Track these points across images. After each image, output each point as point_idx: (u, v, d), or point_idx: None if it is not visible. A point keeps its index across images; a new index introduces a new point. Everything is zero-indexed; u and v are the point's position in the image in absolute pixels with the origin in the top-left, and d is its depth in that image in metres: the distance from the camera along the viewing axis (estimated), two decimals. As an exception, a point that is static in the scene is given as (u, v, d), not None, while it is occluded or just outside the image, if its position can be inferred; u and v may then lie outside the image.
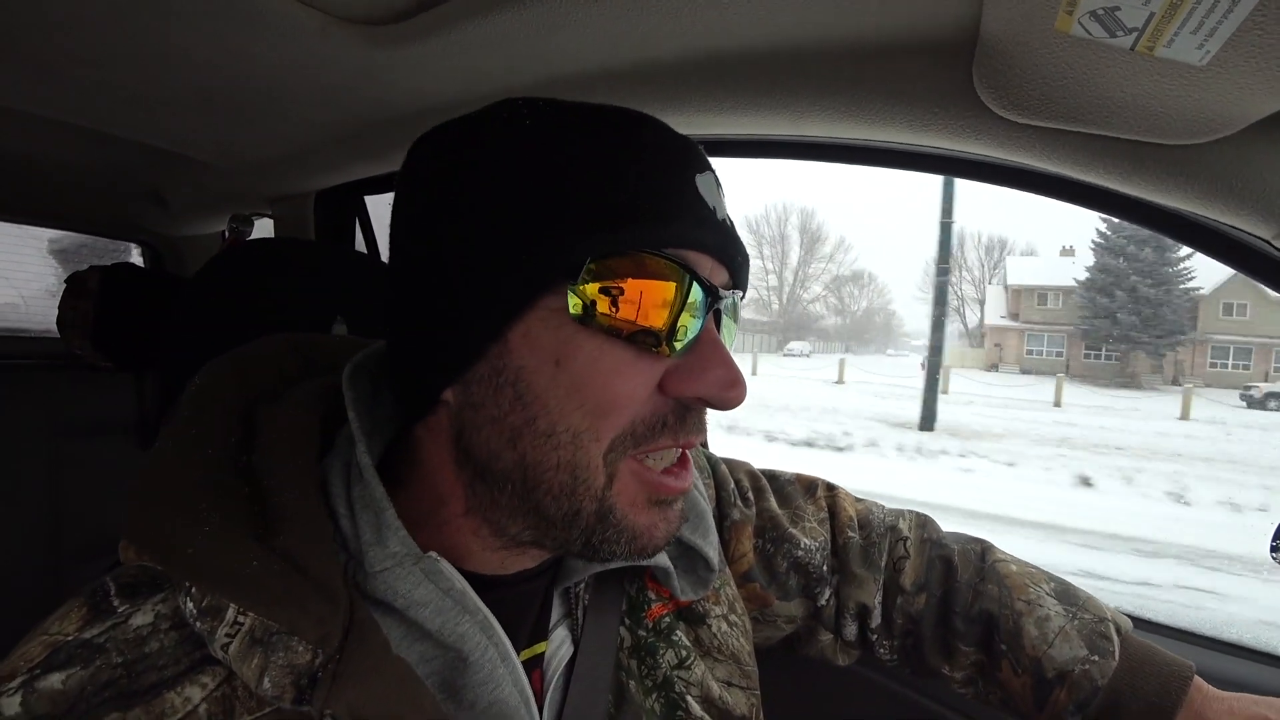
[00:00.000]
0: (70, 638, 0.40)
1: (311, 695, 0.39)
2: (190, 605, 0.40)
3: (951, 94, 0.67)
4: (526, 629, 0.55)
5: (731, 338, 0.53)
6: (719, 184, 0.50)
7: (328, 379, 0.56)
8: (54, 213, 1.88)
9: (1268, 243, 0.64)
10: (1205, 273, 31.06)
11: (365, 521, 0.47)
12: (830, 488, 0.85)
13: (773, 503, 0.79)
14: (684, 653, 0.61)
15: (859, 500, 0.84)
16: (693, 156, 0.48)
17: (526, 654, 0.54)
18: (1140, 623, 0.93)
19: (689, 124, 0.87)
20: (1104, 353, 32.53)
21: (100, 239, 2.08)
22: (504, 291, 0.44)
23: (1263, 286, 0.70)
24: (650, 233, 0.43)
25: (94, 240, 2.10)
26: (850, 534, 0.79)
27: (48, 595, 1.47)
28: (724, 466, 0.79)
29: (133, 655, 0.40)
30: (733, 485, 0.77)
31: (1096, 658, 0.66)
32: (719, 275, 0.48)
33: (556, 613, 0.57)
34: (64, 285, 1.63)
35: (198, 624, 0.40)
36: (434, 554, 0.47)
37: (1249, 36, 0.44)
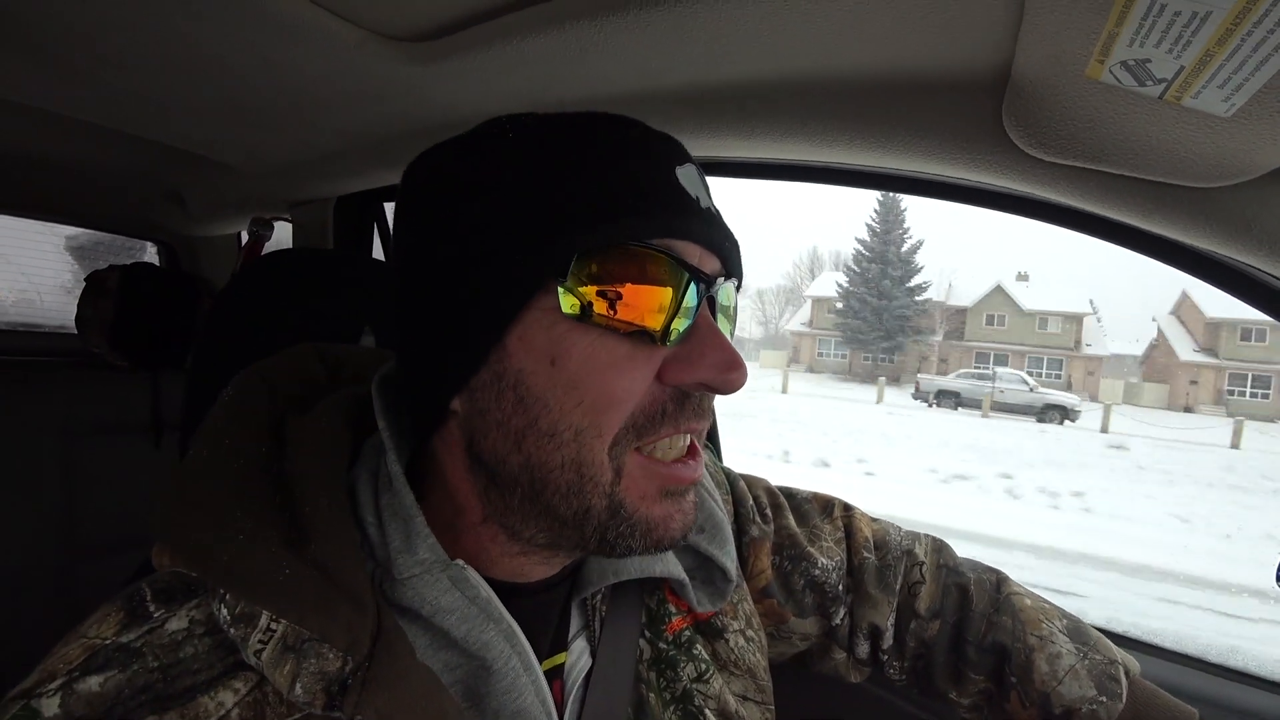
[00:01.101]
0: (108, 641, 0.41)
1: (342, 701, 0.40)
2: (225, 612, 0.41)
3: (980, 130, 0.69)
4: (547, 639, 0.55)
5: (730, 325, 0.53)
6: (702, 176, 0.51)
7: (355, 389, 0.57)
8: (74, 210, 1.90)
9: None
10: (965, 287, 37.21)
11: (394, 529, 0.48)
12: (847, 508, 0.85)
13: (791, 521, 0.80)
14: (703, 666, 0.62)
15: (875, 521, 0.85)
16: (671, 150, 0.49)
17: (547, 664, 0.54)
18: (1153, 649, 0.94)
19: (720, 147, 0.88)
20: (876, 355, 37.10)
21: (117, 237, 2.10)
22: (497, 295, 0.45)
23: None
24: (633, 225, 0.44)
25: (111, 238, 2.11)
26: (866, 554, 0.80)
27: (61, 592, 1.48)
28: (742, 483, 0.80)
29: (168, 660, 0.41)
30: (751, 502, 0.78)
31: (1104, 699, 0.67)
32: (709, 263, 0.48)
33: (575, 624, 0.58)
34: (83, 283, 1.65)
35: (231, 630, 0.41)
36: (461, 562, 0.48)
37: (1274, 92, 0.46)
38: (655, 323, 0.45)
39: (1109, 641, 0.73)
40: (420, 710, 0.42)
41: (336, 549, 0.45)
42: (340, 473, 0.50)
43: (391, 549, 0.48)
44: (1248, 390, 34.96)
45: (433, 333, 0.48)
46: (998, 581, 0.78)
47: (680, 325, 0.46)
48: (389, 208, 1.66)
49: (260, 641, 0.41)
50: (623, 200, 0.44)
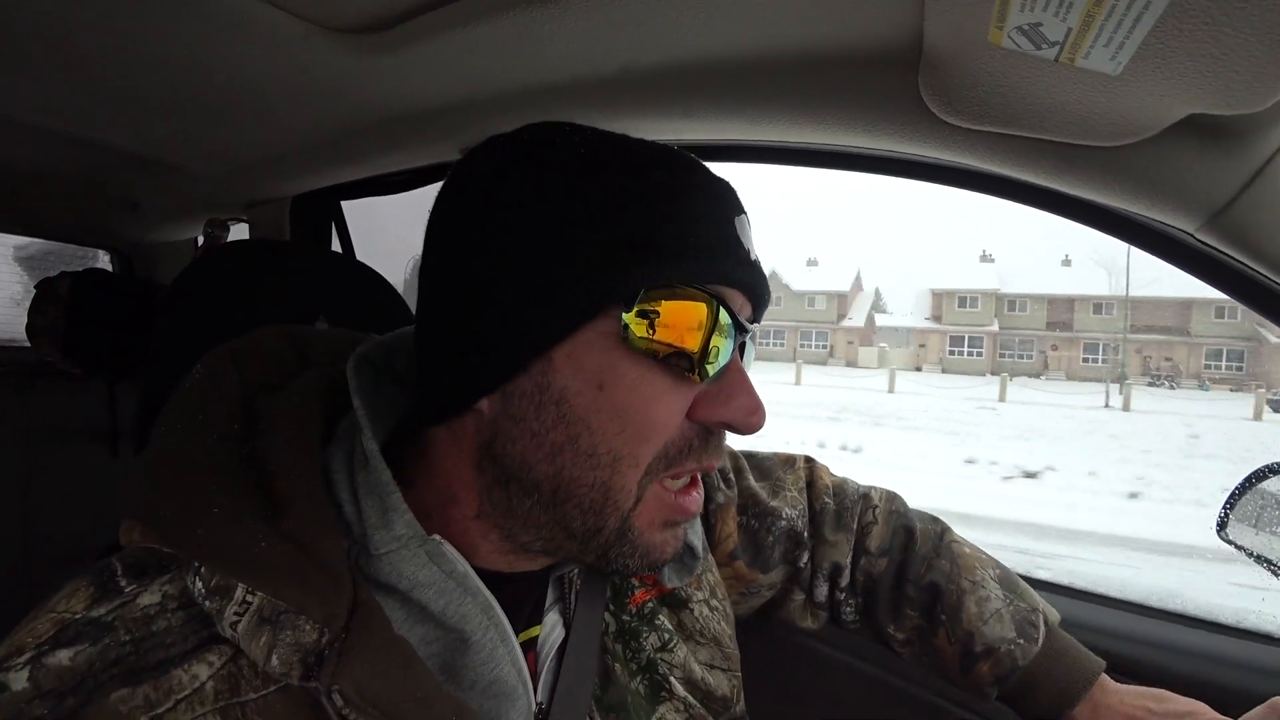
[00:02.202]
0: (78, 615, 0.41)
1: (319, 672, 0.40)
2: (199, 584, 0.41)
3: (899, 100, 0.72)
4: (524, 613, 0.57)
5: (750, 363, 0.56)
6: (750, 226, 0.53)
7: (327, 370, 0.57)
8: (22, 219, 1.86)
9: (1190, 235, 0.70)
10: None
11: (370, 506, 0.48)
12: (809, 460, 0.90)
13: (751, 480, 0.83)
14: (666, 636, 0.64)
15: (834, 475, 0.90)
16: (732, 199, 0.51)
17: (523, 636, 0.55)
18: (1095, 598, 0.99)
19: (662, 130, 0.91)
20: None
21: (68, 246, 2.06)
22: (557, 312, 0.46)
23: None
24: (697, 268, 0.46)
25: (62, 247, 2.07)
26: (826, 500, 0.85)
27: (18, 604, 1.43)
28: None
29: (140, 634, 0.41)
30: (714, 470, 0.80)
31: (1022, 641, 0.72)
32: (745, 310, 0.51)
33: (550, 597, 0.59)
34: (33, 292, 1.62)
35: (207, 603, 0.41)
36: (437, 537, 0.48)
37: (1153, 50, 0.49)
38: (697, 360, 0.47)
39: (1034, 592, 0.78)
40: (397, 681, 0.43)
41: (312, 524, 0.45)
42: (314, 451, 0.50)
43: (368, 525, 0.48)
44: (965, 350, 42.63)
45: (474, 330, 0.48)
46: (941, 531, 0.84)
47: (715, 366, 0.48)
48: (347, 206, 1.65)
49: (236, 614, 0.41)
50: (691, 243, 0.46)
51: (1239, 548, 0.86)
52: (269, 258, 0.93)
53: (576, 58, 0.83)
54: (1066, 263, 43.84)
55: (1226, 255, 0.70)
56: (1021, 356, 41.96)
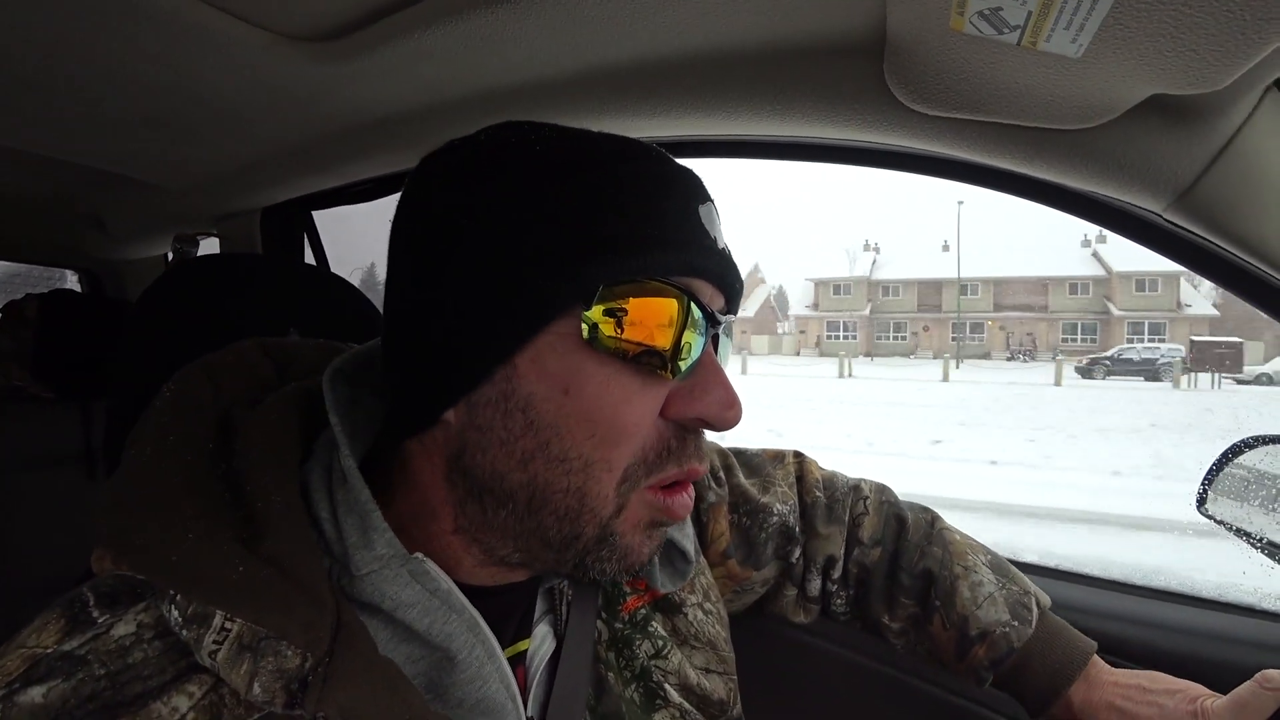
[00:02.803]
0: (49, 650, 0.39)
1: (303, 699, 0.39)
2: (175, 613, 0.40)
3: (866, 90, 0.72)
4: (511, 627, 0.55)
5: (726, 358, 0.55)
6: (718, 214, 0.51)
7: (305, 383, 0.56)
8: None
9: (1159, 215, 0.70)
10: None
11: (350, 525, 0.47)
12: (798, 454, 0.90)
13: (741, 477, 0.83)
14: (660, 642, 0.63)
15: (823, 468, 0.90)
16: (695, 187, 0.49)
17: (510, 651, 0.54)
18: (1078, 577, 0.99)
19: (629, 128, 0.90)
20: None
21: (34, 268, 2.02)
22: (516, 316, 0.45)
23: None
24: (659, 260, 0.45)
25: (28, 269, 2.03)
26: (817, 493, 0.85)
27: (-3, 636, 1.41)
28: None
29: (116, 666, 0.39)
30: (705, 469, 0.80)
31: (1016, 623, 0.73)
32: (717, 301, 0.49)
33: (539, 609, 0.58)
34: None
35: (184, 632, 0.40)
36: (420, 555, 0.47)
37: (1112, 31, 0.49)
38: (666, 357, 0.46)
39: (1025, 577, 0.79)
40: (384, 703, 0.42)
41: (291, 545, 0.43)
42: (292, 468, 0.48)
43: (348, 545, 0.47)
44: (841, 334, 47.71)
45: (435, 340, 0.47)
46: (932, 519, 0.84)
47: (687, 362, 0.47)
48: (318, 216, 1.63)
49: (215, 642, 0.39)
50: (653, 235, 0.45)
51: (1219, 522, 0.87)
52: (236, 271, 0.91)
53: (539, 58, 0.82)
54: (946, 248, 47.99)
55: (1195, 234, 0.70)
56: (895, 338, 47.00)
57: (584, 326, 0.44)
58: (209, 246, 1.67)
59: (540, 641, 0.57)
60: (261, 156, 1.28)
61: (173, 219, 1.62)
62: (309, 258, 1.66)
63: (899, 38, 0.63)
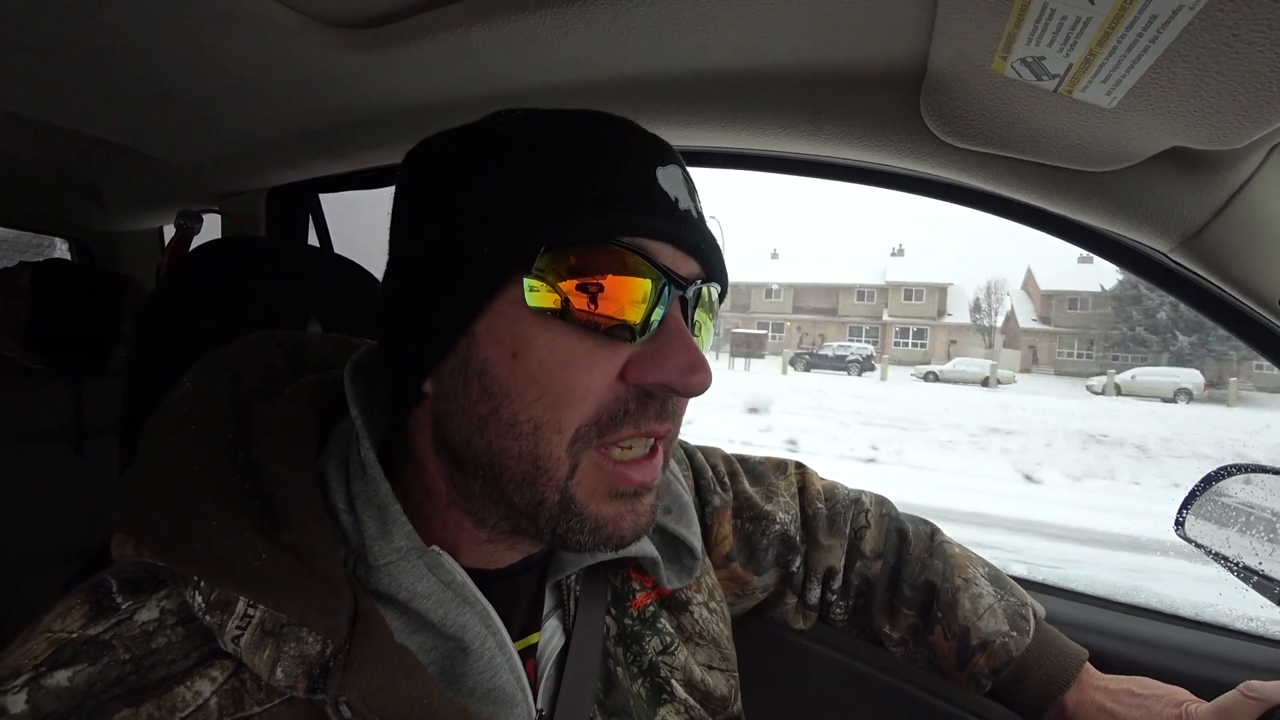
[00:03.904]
0: (75, 635, 0.40)
1: (325, 684, 0.40)
2: (199, 599, 0.41)
3: (901, 119, 0.74)
4: (520, 620, 0.57)
5: (708, 333, 0.54)
6: (687, 178, 0.51)
7: (322, 376, 0.57)
8: None
9: (1164, 255, 0.74)
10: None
11: (368, 517, 0.48)
12: (800, 465, 0.92)
13: (746, 484, 0.85)
14: (668, 639, 0.65)
15: (824, 479, 0.92)
16: (654, 150, 0.49)
17: (521, 644, 0.55)
18: (1063, 592, 1.04)
19: (662, 136, 0.91)
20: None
21: (22, 234, 1.97)
22: (467, 284, 0.46)
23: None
24: (603, 221, 0.45)
25: (16, 235, 1.98)
26: (819, 505, 0.87)
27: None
28: (700, 455, 0.84)
29: (140, 651, 0.40)
30: (710, 473, 0.82)
31: (1015, 634, 0.76)
32: (685, 265, 0.48)
33: (548, 604, 0.60)
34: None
35: (207, 618, 0.41)
36: (436, 548, 0.49)
37: (1146, 87, 0.52)
38: (620, 320, 0.45)
39: (1021, 588, 0.82)
40: (403, 690, 0.43)
41: (310, 534, 0.44)
42: (309, 459, 0.50)
43: (366, 536, 0.48)
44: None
45: (410, 315, 0.49)
46: (931, 532, 0.87)
47: (645, 325, 0.46)
48: (325, 199, 1.62)
49: (238, 628, 0.40)
50: (595, 197, 0.45)
51: (1197, 545, 0.91)
52: (256, 256, 0.90)
53: (578, 62, 0.83)
54: (775, 256, 52.26)
55: (1198, 275, 0.74)
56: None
57: (528, 292, 0.45)
58: (211, 222, 1.65)
59: (550, 636, 0.58)
60: (275, 138, 1.26)
61: (173, 194, 1.59)
62: (313, 239, 1.65)
63: (939, 73, 0.65)
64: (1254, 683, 0.66)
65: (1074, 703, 0.73)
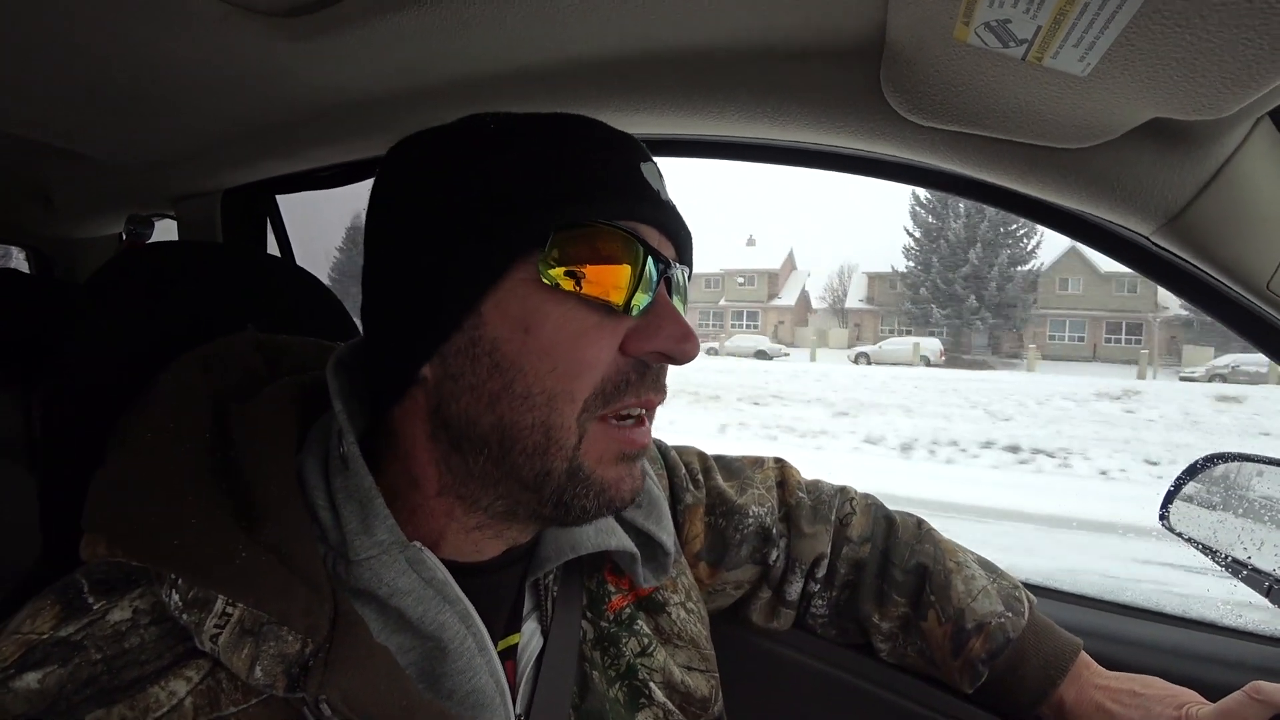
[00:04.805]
0: (45, 636, 0.40)
1: (304, 683, 0.41)
2: (176, 598, 0.41)
3: (861, 98, 0.70)
4: (501, 620, 0.57)
5: (683, 305, 0.57)
6: (660, 173, 0.56)
7: (300, 377, 0.58)
8: None
9: (1146, 239, 0.70)
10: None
11: (350, 512, 0.49)
12: (779, 461, 0.91)
13: (719, 480, 0.84)
14: (646, 641, 0.64)
15: (806, 476, 0.92)
16: (637, 148, 0.54)
17: (501, 645, 0.55)
18: (1046, 591, 1.00)
19: (611, 123, 0.87)
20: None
21: (-24, 244, 1.91)
22: (477, 265, 0.48)
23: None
24: (605, 207, 0.49)
25: (-32, 245, 1.91)
26: (800, 495, 0.86)
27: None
28: (674, 453, 0.84)
29: (112, 651, 0.40)
30: (684, 471, 0.81)
31: (1010, 614, 0.74)
32: (667, 248, 0.53)
33: (527, 605, 0.60)
34: (-66, 294, 1.48)
35: (184, 616, 0.41)
36: (418, 544, 0.49)
37: (1122, 51, 0.48)
38: (619, 295, 0.49)
39: (1010, 574, 0.80)
40: (383, 690, 0.43)
41: (291, 532, 0.45)
42: (289, 458, 0.50)
43: (347, 531, 0.48)
44: None
45: (407, 301, 0.50)
46: (918, 521, 0.86)
47: (641, 300, 0.50)
48: (282, 200, 1.56)
49: (216, 626, 0.40)
50: (594, 185, 0.49)
51: (1180, 535, 0.87)
52: (196, 261, 0.86)
53: (520, 46, 0.79)
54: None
55: (1181, 259, 0.70)
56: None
57: (541, 270, 0.48)
58: (165, 227, 1.59)
59: (529, 638, 0.58)
60: (223, 136, 1.22)
61: (126, 198, 1.54)
62: (271, 243, 1.59)
63: (899, 45, 0.61)
64: (1261, 684, 0.63)
65: (1072, 700, 0.71)
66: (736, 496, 0.82)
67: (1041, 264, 32.81)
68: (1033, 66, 0.53)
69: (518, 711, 0.54)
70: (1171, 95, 0.51)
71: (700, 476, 0.83)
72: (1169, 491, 0.90)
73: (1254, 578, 0.80)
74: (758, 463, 0.90)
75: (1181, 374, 22.87)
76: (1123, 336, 31.55)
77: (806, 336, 35.54)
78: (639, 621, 0.65)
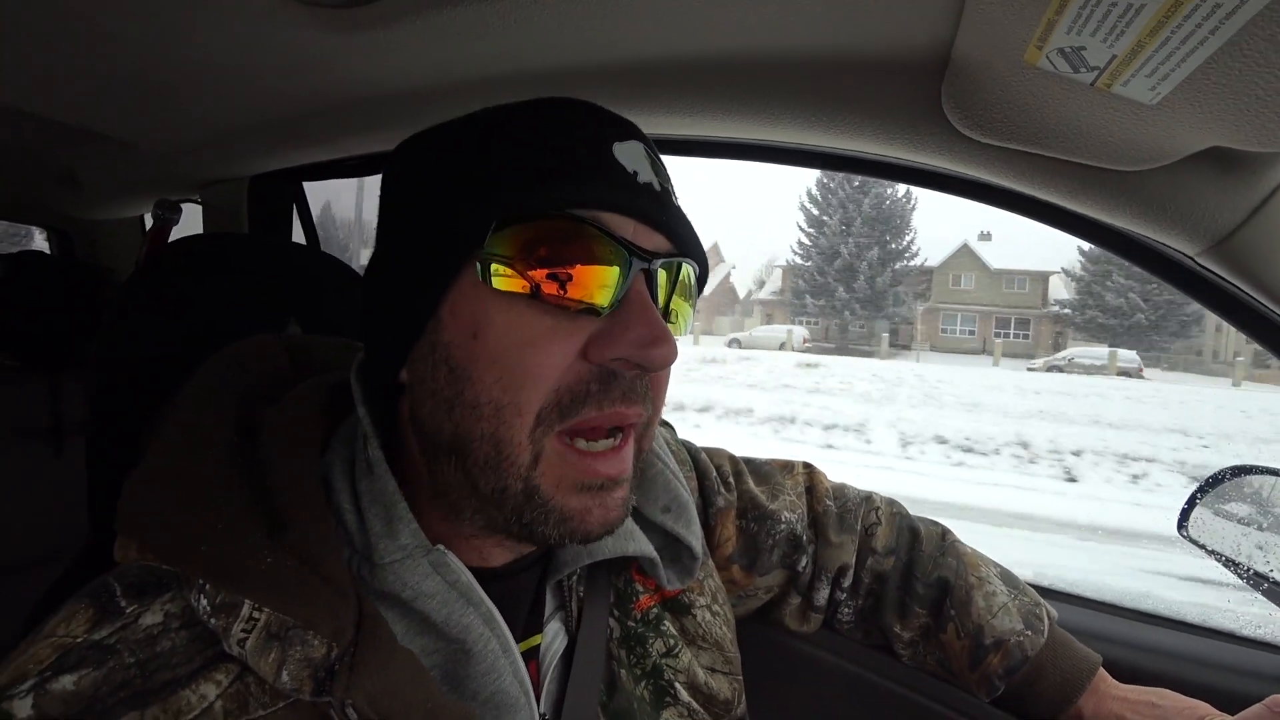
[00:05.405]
0: (80, 639, 0.40)
1: (331, 687, 0.40)
2: (204, 603, 0.41)
3: (920, 111, 0.70)
4: (521, 622, 0.57)
5: (685, 317, 0.53)
6: (650, 152, 0.50)
7: (325, 378, 0.57)
8: None
9: (1191, 259, 0.71)
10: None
11: (374, 515, 0.48)
12: (808, 465, 0.91)
13: (751, 484, 0.84)
14: (671, 641, 0.64)
15: (833, 480, 0.91)
16: (609, 126, 0.49)
17: (523, 646, 0.55)
18: (1071, 598, 1.01)
19: (658, 124, 0.87)
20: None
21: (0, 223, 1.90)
22: (430, 267, 0.46)
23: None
24: (553, 194, 0.44)
25: (-8, 223, 1.91)
26: (828, 502, 0.86)
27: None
28: (704, 456, 0.83)
29: (145, 655, 0.40)
30: (714, 474, 0.81)
31: (1029, 633, 0.75)
32: (649, 238, 0.47)
33: (550, 606, 0.59)
34: (-40, 274, 1.49)
35: (212, 620, 0.41)
36: (441, 547, 0.48)
37: (1196, 83, 0.48)
38: (580, 293, 0.44)
39: (1033, 590, 0.81)
40: (408, 693, 0.43)
41: (316, 537, 0.45)
42: (314, 461, 0.50)
43: (372, 535, 0.48)
44: None
45: (382, 306, 0.50)
46: (943, 531, 0.86)
47: (603, 299, 0.45)
48: (309, 188, 1.56)
49: (243, 631, 0.41)
50: (546, 172, 0.45)
51: (1199, 545, 0.89)
52: (236, 253, 0.86)
53: (574, 45, 0.78)
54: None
55: (1224, 280, 0.70)
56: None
57: (484, 269, 0.45)
58: (191, 212, 1.59)
59: (552, 638, 0.58)
60: (255, 123, 1.21)
61: (154, 182, 1.53)
62: (296, 232, 1.59)
63: (964, 62, 0.61)
64: None
65: (1090, 711, 0.72)
66: (769, 502, 0.82)
67: (925, 260, 33.56)
68: (1100, 92, 0.54)
69: (542, 712, 0.54)
70: (1238, 128, 0.52)
71: (731, 480, 0.82)
72: (1189, 501, 0.91)
73: (1275, 591, 0.81)
74: (787, 467, 0.90)
75: (1029, 366, 24.85)
76: (1012, 331, 32.57)
77: (723, 325, 38.71)
78: (665, 622, 0.65)
